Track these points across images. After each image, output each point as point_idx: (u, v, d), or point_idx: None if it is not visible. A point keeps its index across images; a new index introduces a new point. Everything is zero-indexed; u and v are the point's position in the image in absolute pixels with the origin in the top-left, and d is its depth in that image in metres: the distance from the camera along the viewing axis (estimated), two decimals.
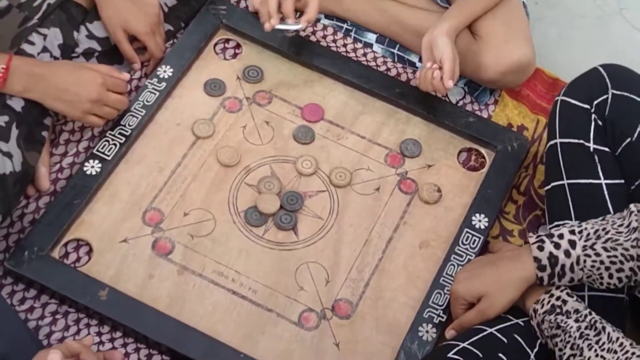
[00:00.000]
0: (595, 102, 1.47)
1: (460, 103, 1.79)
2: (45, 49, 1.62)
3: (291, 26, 1.66)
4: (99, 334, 1.45)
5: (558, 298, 1.33)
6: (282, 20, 1.66)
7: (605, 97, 1.47)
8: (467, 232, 1.58)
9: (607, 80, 1.48)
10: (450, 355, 1.29)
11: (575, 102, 1.50)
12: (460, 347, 1.30)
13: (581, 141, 1.47)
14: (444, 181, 1.66)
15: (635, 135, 1.43)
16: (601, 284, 1.33)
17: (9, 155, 1.46)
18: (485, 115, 1.78)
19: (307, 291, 1.52)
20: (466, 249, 1.56)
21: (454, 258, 1.55)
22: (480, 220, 1.59)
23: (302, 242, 1.57)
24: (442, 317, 1.48)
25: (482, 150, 1.71)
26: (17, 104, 1.51)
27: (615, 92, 1.46)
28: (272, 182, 1.61)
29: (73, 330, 1.46)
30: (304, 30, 1.74)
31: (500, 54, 1.68)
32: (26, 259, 1.47)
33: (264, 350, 1.45)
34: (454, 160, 1.70)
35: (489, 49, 1.69)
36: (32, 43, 1.61)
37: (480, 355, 1.28)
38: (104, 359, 1.33)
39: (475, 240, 1.57)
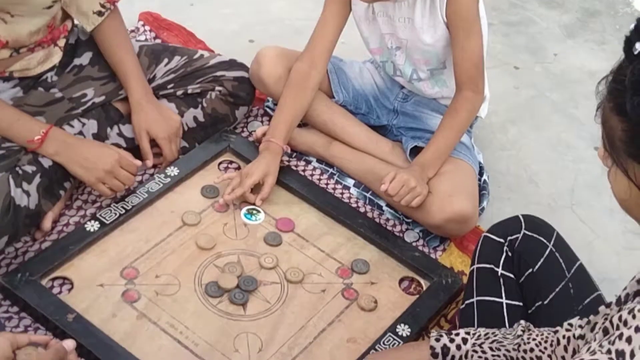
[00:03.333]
0: (509, 238, 1.76)
1: (414, 244, 2.09)
2: (80, 133, 2.02)
3: (251, 222, 2.03)
4: None
5: None
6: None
7: (517, 235, 1.76)
8: (389, 335, 1.82)
9: (523, 223, 1.77)
10: None
11: (493, 236, 1.79)
12: None
13: (492, 266, 1.75)
14: (382, 296, 1.93)
15: (537, 267, 1.71)
16: None
17: (27, 193, 1.82)
18: (432, 257, 2.07)
19: (241, 353, 1.76)
20: (385, 348, 1.79)
21: (372, 352, 1.78)
22: (403, 330, 1.83)
23: (247, 317, 1.83)
24: None
25: (422, 281, 1.98)
26: (46, 162, 1.89)
27: (526, 232, 1.75)
28: (236, 267, 1.91)
29: None
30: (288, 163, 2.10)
31: (443, 205, 2.00)
32: (17, 280, 1.77)
33: None
34: (395, 283, 1.97)
35: (435, 200, 2.01)
36: (71, 126, 2.02)
37: None
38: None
39: (395, 343, 1.80)
